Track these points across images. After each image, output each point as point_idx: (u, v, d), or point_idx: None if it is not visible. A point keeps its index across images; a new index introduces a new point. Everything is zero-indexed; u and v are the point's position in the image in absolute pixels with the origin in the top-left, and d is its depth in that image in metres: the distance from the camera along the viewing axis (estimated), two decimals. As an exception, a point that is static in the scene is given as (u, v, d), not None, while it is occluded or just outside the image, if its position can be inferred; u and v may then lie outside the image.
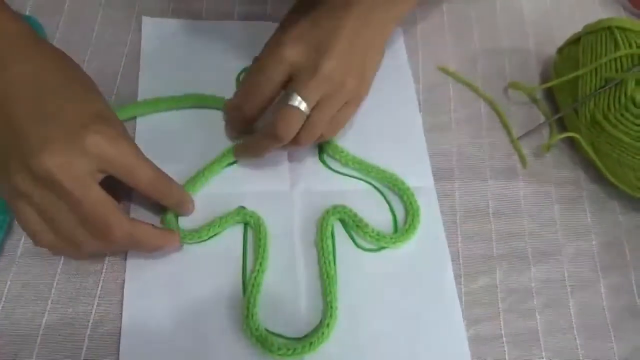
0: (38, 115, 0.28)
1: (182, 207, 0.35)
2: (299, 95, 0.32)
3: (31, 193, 0.28)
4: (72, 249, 0.30)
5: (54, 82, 0.29)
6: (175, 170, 0.34)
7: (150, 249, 0.32)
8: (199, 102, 0.40)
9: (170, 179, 0.33)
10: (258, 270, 0.34)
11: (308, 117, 0.33)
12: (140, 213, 0.35)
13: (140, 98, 0.39)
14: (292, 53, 0.32)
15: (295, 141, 0.34)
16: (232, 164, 0.38)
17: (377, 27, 0.36)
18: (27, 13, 0.43)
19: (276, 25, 0.45)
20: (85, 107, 0.29)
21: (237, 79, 0.42)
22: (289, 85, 0.33)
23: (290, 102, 0.32)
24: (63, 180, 0.27)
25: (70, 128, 0.28)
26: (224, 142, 0.39)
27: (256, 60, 0.37)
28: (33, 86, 0.28)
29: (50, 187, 0.27)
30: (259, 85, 0.34)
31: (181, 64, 0.42)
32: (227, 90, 0.41)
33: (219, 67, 0.42)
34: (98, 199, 0.28)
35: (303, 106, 0.32)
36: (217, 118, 0.40)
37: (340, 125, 0.36)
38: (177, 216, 0.35)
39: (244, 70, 0.42)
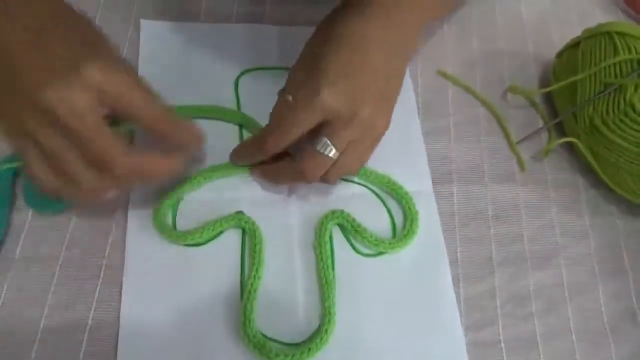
0: (38, 53, 0.28)
1: (189, 139, 0.33)
2: (331, 142, 0.32)
3: (34, 132, 0.28)
4: (78, 188, 0.29)
5: (52, 22, 0.29)
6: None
7: (157, 172, 0.31)
8: (217, 114, 0.39)
9: (177, 116, 0.32)
10: (254, 277, 0.33)
11: (337, 159, 0.33)
12: (138, 204, 0.35)
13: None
14: (329, 101, 0.31)
15: (324, 180, 0.34)
16: (231, 173, 0.38)
17: (401, 61, 0.36)
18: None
19: (275, 27, 0.45)
20: (84, 42, 0.29)
21: (236, 82, 0.42)
22: (322, 130, 0.32)
23: (321, 149, 0.32)
24: (63, 114, 0.27)
25: (69, 62, 0.28)
26: (222, 139, 0.39)
27: (281, 93, 0.35)
28: (32, 27, 0.28)
29: (53, 123, 0.27)
30: (289, 128, 0.33)
31: (180, 66, 0.41)
32: (226, 92, 0.41)
33: (218, 70, 0.42)
34: (98, 128, 0.28)
35: (333, 152, 0.32)
36: (220, 128, 0.39)
37: (364, 161, 0.36)
38: (174, 213, 0.35)
39: (244, 72, 0.42)
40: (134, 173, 0.30)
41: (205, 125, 0.38)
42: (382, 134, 0.35)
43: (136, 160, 0.29)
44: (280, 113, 0.33)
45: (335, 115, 0.31)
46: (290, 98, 0.33)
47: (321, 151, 0.32)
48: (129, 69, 0.31)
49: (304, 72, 0.33)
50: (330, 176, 0.34)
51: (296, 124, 0.32)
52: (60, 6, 0.30)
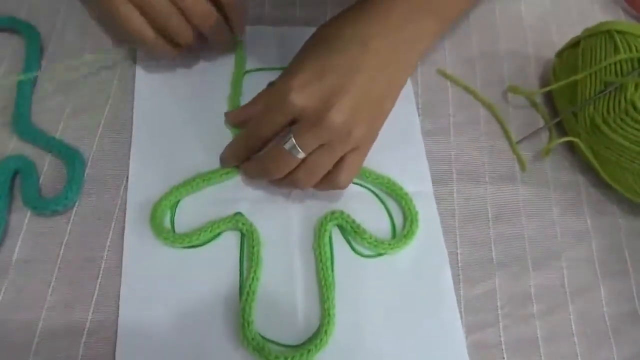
0: None
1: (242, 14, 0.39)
2: (296, 141, 0.32)
3: None
4: (169, 39, 0.35)
5: None
6: (169, 168, 0.36)
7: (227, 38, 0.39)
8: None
9: None
10: (252, 278, 0.33)
11: (305, 160, 0.32)
12: (136, 206, 0.35)
13: (136, 99, 0.39)
14: (298, 101, 0.31)
15: (294, 182, 0.34)
16: (230, 176, 0.38)
17: (396, 72, 0.34)
18: (23, 17, 0.42)
19: (275, 28, 0.45)
20: None
21: (235, 82, 0.42)
22: (291, 127, 0.32)
23: (286, 146, 0.32)
24: None
25: None
26: (220, 142, 0.38)
27: (270, 85, 0.36)
28: None
29: None
30: (261, 125, 0.34)
31: (179, 68, 0.41)
32: (224, 94, 0.41)
33: (218, 71, 0.42)
34: None
35: (299, 152, 0.32)
36: (219, 133, 0.39)
37: (352, 171, 0.34)
38: (172, 214, 0.36)
39: (245, 73, 0.42)
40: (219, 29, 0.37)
41: (203, 132, 0.39)
42: (364, 144, 0.34)
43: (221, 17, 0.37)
44: (256, 109, 0.36)
45: (302, 114, 0.31)
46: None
47: (286, 148, 0.32)
48: None
49: (287, 70, 0.34)
50: (298, 177, 0.33)
51: (267, 120, 0.33)
52: None
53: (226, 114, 0.39)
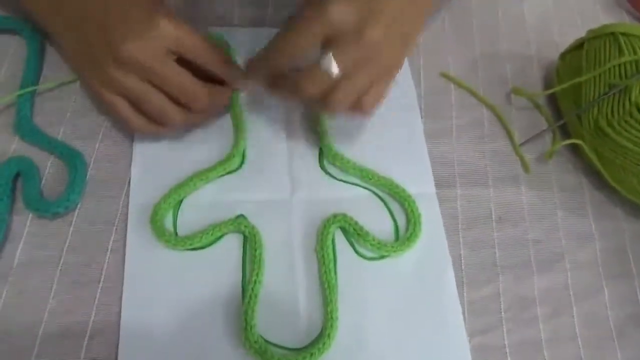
0: (111, 10, 0.32)
1: (238, 80, 0.38)
2: (335, 58, 0.31)
3: (120, 80, 0.33)
4: (161, 126, 0.35)
5: None
6: (171, 170, 0.36)
7: (223, 100, 0.38)
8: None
9: (228, 58, 0.38)
10: (255, 281, 0.33)
11: (340, 81, 0.32)
12: (137, 208, 0.35)
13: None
14: (339, 12, 0.30)
15: (327, 105, 0.33)
16: (228, 173, 0.38)
17: (419, 13, 0.34)
18: (23, 18, 0.42)
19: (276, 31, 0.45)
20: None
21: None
22: (327, 44, 0.31)
23: (324, 63, 0.31)
24: (147, 60, 0.32)
25: (142, 17, 0.32)
26: (220, 150, 0.38)
27: (291, 19, 0.33)
28: None
29: (138, 71, 0.32)
30: (294, 39, 0.32)
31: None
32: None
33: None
34: (180, 72, 0.33)
35: (335, 69, 0.31)
36: (213, 129, 0.39)
37: (378, 96, 0.34)
38: (175, 216, 0.35)
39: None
40: (211, 108, 0.36)
41: (206, 133, 0.39)
42: (392, 68, 0.34)
43: (212, 93, 0.35)
44: (287, 26, 0.32)
45: (341, 29, 0.30)
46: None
47: (322, 65, 0.31)
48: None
49: None
50: (333, 99, 0.32)
51: (303, 33, 0.31)
52: None
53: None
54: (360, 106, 0.34)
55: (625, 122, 0.38)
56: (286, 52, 0.33)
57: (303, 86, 0.32)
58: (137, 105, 0.34)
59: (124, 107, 0.34)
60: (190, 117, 0.36)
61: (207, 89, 0.35)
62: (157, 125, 0.35)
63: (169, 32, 0.32)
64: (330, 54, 0.31)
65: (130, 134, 0.38)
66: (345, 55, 0.31)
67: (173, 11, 0.34)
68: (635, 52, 0.39)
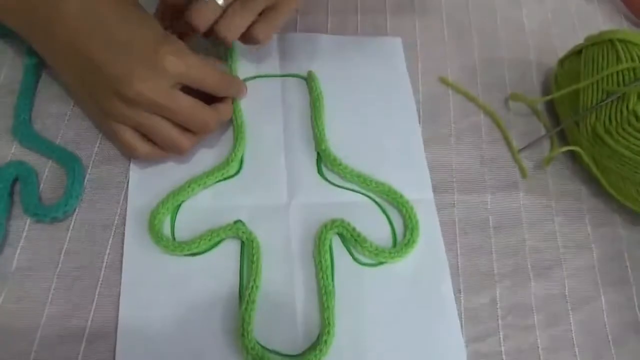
0: (112, 46, 0.32)
1: (240, 93, 0.40)
2: None
3: (125, 114, 0.33)
4: (169, 151, 0.35)
5: (112, 14, 0.32)
6: (169, 175, 0.37)
7: (228, 116, 0.38)
8: None
9: (228, 75, 0.40)
10: (252, 287, 0.33)
11: (227, 9, 0.35)
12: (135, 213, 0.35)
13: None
14: None
15: (217, 33, 0.35)
16: (226, 178, 0.38)
17: None
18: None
19: (275, 35, 0.45)
20: (149, 32, 0.33)
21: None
22: None
23: None
24: (156, 98, 0.32)
25: (146, 54, 0.32)
26: (219, 156, 0.38)
27: None
28: (96, 20, 0.32)
29: (144, 106, 0.32)
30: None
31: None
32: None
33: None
34: (190, 103, 0.34)
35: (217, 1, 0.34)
36: (218, 130, 0.39)
37: (270, 27, 0.37)
38: (172, 221, 0.36)
39: (244, 80, 0.42)
40: (218, 123, 0.36)
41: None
42: (283, 3, 0.36)
43: (219, 115, 0.36)
44: None
45: None
46: None
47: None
48: (187, 48, 0.34)
49: None
50: (220, 26, 0.35)
51: None
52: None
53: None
54: (251, 35, 0.37)
55: (623, 129, 0.38)
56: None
57: (193, 18, 0.34)
58: (145, 135, 0.34)
59: (129, 136, 0.34)
60: (198, 140, 0.36)
61: (215, 112, 0.36)
62: (163, 152, 0.35)
63: (176, 68, 0.32)
64: None
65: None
66: None
67: (176, 40, 0.34)
68: (632, 60, 0.39)
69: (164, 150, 0.35)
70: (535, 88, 0.48)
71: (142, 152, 0.35)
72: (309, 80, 0.43)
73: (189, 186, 0.36)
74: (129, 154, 0.36)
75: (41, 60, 0.39)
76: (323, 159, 0.39)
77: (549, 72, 0.48)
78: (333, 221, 0.36)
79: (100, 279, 0.34)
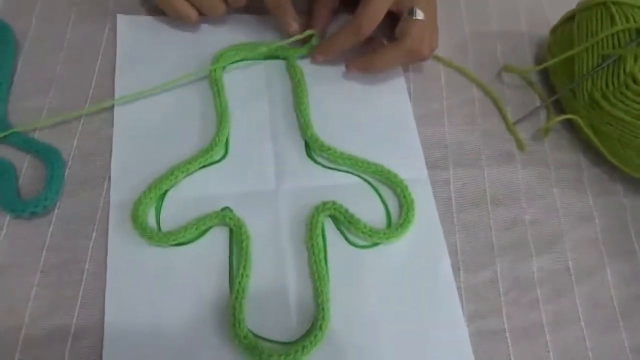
0: None
1: None
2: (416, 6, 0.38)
3: None
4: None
5: None
6: (153, 165, 0.35)
7: None
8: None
9: None
10: (242, 275, 0.32)
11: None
12: (119, 205, 0.34)
13: (117, 96, 0.38)
14: None
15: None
16: (211, 164, 0.36)
17: None
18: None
19: (254, 17, 0.44)
20: None
21: (214, 75, 0.40)
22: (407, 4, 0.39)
23: (417, 17, 0.38)
24: None
25: None
26: (203, 142, 0.37)
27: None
28: None
29: None
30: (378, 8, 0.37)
31: (158, 60, 0.40)
32: (205, 89, 0.39)
33: (198, 63, 0.40)
34: None
35: (421, 15, 0.39)
36: (197, 110, 0.38)
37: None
38: (157, 212, 0.34)
39: (226, 65, 0.41)
40: None
41: (186, 127, 0.37)
42: None
43: None
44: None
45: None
46: None
47: (417, 17, 0.38)
48: None
49: None
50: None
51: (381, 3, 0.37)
52: None
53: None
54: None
55: (621, 93, 0.36)
56: (376, 17, 0.38)
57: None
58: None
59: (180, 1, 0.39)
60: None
61: None
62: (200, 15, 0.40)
63: None
64: (414, 6, 0.38)
65: (109, 132, 0.37)
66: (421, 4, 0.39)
67: None
68: (628, 20, 0.38)
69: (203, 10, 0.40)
70: (529, 60, 0.46)
71: (188, 15, 0.39)
72: (288, 67, 0.42)
73: (172, 173, 0.35)
74: (175, 15, 0.40)
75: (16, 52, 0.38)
76: (311, 145, 0.38)
77: (542, 43, 0.47)
78: (324, 203, 0.35)
79: (85, 274, 0.32)
